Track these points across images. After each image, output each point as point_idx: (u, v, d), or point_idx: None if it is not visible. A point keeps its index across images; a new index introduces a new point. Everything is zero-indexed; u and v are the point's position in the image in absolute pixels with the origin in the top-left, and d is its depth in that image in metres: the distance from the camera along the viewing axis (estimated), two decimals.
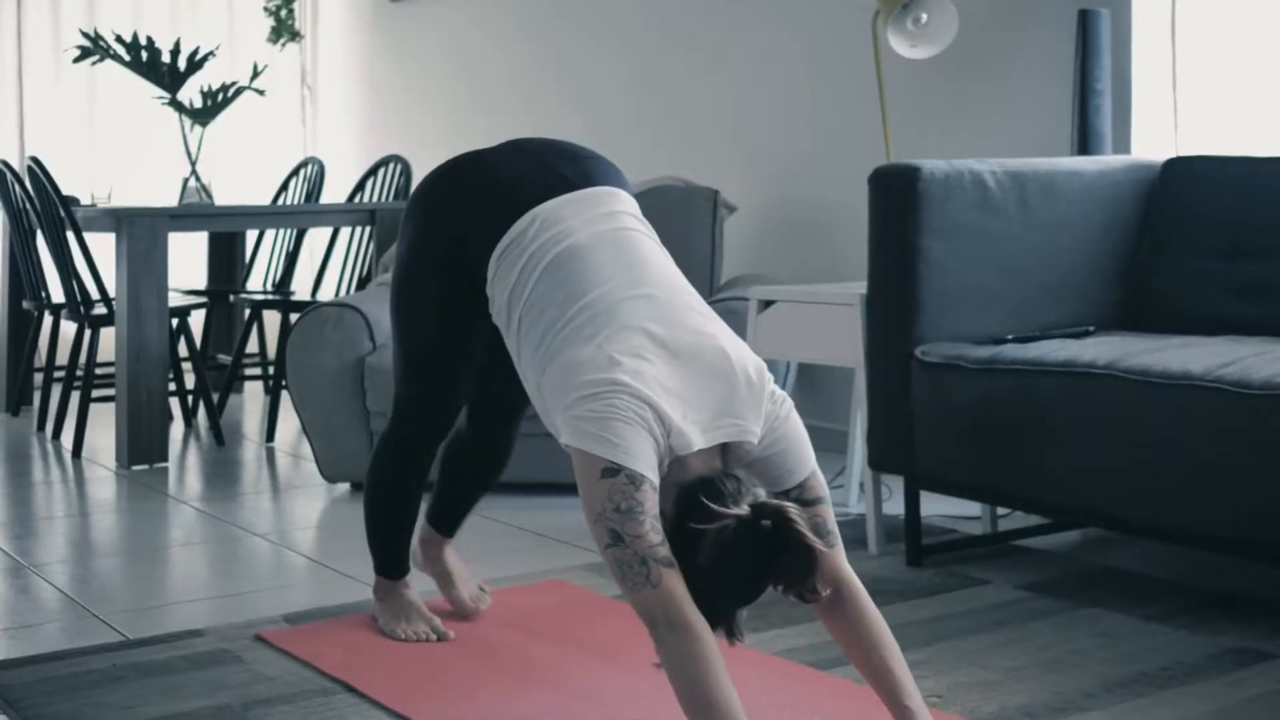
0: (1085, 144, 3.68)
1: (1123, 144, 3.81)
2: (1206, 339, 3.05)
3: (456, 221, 2.49)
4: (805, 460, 2.17)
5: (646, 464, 2.00)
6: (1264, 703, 2.36)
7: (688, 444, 2.04)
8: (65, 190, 5.05)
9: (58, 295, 5.24)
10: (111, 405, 5.10)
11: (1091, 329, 3.26)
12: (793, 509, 1.96)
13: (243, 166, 6.79)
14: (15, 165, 5.97)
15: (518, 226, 2.35)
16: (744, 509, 1.95)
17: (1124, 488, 2.81)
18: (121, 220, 4.67)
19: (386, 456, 2.77)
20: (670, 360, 2.10)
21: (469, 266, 2.44)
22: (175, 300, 5.17)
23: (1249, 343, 2.95)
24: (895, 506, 3.55)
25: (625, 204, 2.43)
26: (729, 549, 1.94)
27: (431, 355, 2.64)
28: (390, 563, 2.85)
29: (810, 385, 4.63)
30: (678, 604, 1.96)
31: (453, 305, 2.56)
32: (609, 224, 2.35)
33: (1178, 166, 3.49)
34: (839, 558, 2.15)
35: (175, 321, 5.09)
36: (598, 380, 2.06)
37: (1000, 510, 3.60)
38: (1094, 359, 2.88)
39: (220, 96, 5.37)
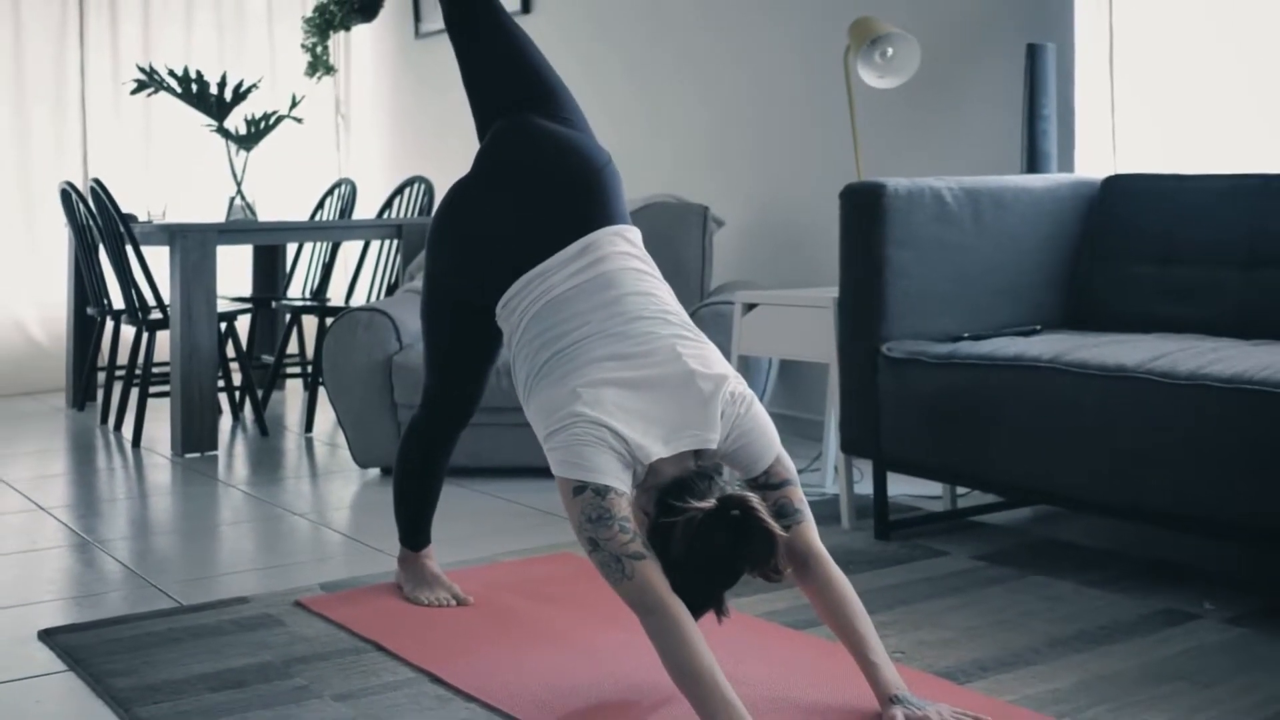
0: (1033, 163, 3.65)
1: (1067, 163, 3.78)
2: (1140, 336, 3.04)
3: (469, 273, 2.50)
4: (769, 449, 2.20)
5: (611, 475, 2.05)
6: (1187, 656, 2.37)
7: (648, 454, 2.07)
8: (124, 208, 5.03)
9: (118, 302, 5.22)
10: (167, 400, 5.07)
11: (1038, 328, 3.25)
12: (754, 499, 1.99)
13: (283, 186, 6.76)
14: (80, 186, 5.95)
15: (515, 286, 2.36)
16: (710, 503, 1.98)
17: (1067, 468, 2.80)
18: (175, 235, 4.66)
19: (414, 440, 2.79)
20: (630, 387, 2.13)
21: (481, 301, 2.47)
22: (223, 306, 5.16)
23: (1177, 339, 2.94)
24: (865, 487, 3.55)
25: (614, 243, 2.37)
26: (698, 539, 1.98)
27: (453, 356, 2.68)
28: (414, 536, 2.86)
29: (789, 379, 4.64)
30: (653, 590, 1.99)
31: (468, 326, 2.62)
32: (591, 271, 2.32)
33: (1116, 183, 3.47)
34: (809, 531, 2.18)
35: (223, 325, 5.08)
36: (563, 415, 2.11)
37: (959, 490, 3.59)
38: (1039, 354, 2.87)
39: (263, 124, 5.35)
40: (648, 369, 2.16)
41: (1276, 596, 2.72)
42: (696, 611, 2.05)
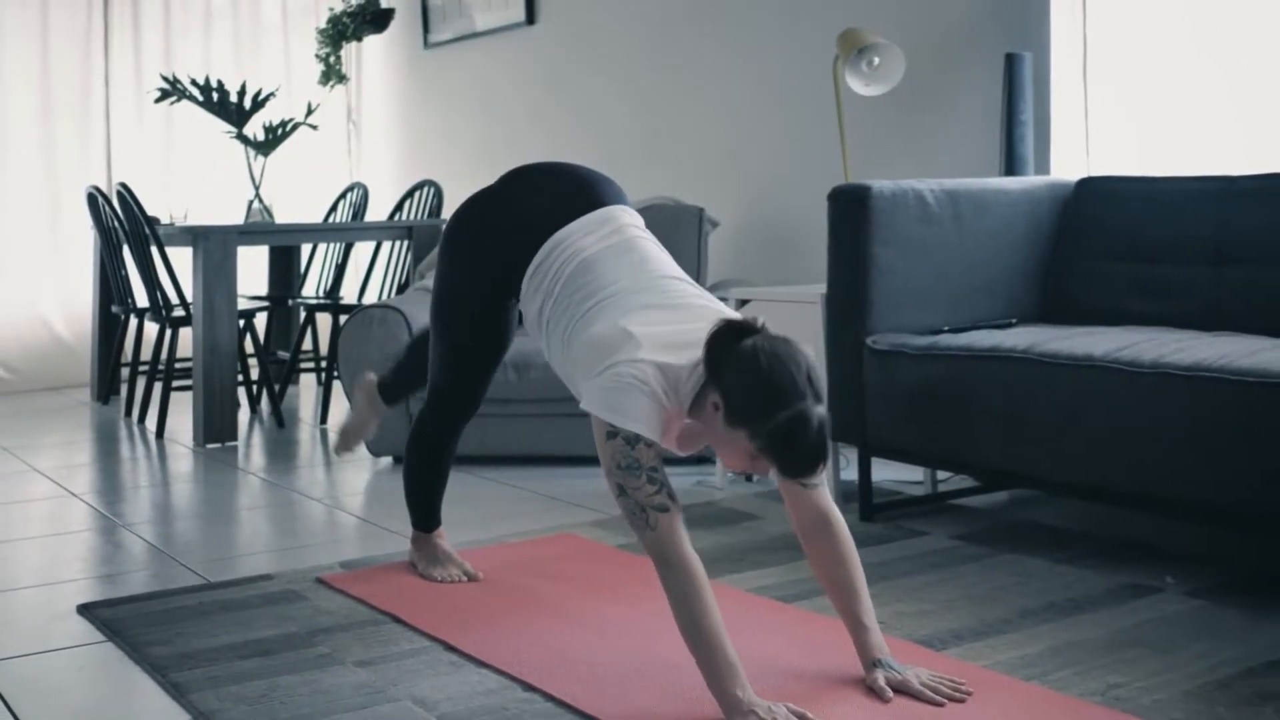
0: (1011, 166, 3.68)
1: (1043, 166, 3.82)
2: (1109, 329, 3.09)
3: (491, 257, 2.57)
4: None
5: (644, 422, 2.06)
6: (1149, 626, 2.45)
7: (690, 377, 2.09)
8: (148, 211, 5.11)
9: (142, 301, 5.28)
10: (188, 394, 5.15)
11: (1014, 321, 3.30)
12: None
13: (298, 190, 6.79)
14: (105, 190, 6.02)
15: (541, 253, 2.45)
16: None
17: (1039, 452, 2.86)
18: (197, 236, 4.71)
19: (424, 433, 2.87)
20: (671, 322, 2.18)
21: (503, 289, 2.57)
22: (242, 304, 5.21)
23: (1143, 331, 3.00)
24: (851, 473, 3.61)
25: (628, 216, 2.52)
26: (760, 351, 1.99)
27: (469, 355, 2.73)
28: (426, 519, 2.94)
29: None
30: (674, 544, 2.03)
31: (487, 320, 2.67)
32: (615, 237, 2.44)
33: (1089, 185, 3.52)
34: (826, 495, 2.22)
35: (242, 322, 5.12)
36: (610, 356, 2.14)
37: (940, 474, 3.66)
38: (1014, 345, 2.93)
39: (279, 131, 5.41)
40: (686, 322, 2.19)
41: (1233, 571, 2.80)
42: (794, 405, 1.96)
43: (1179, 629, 2.43)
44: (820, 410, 1.99)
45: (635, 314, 2.23)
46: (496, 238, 2.57)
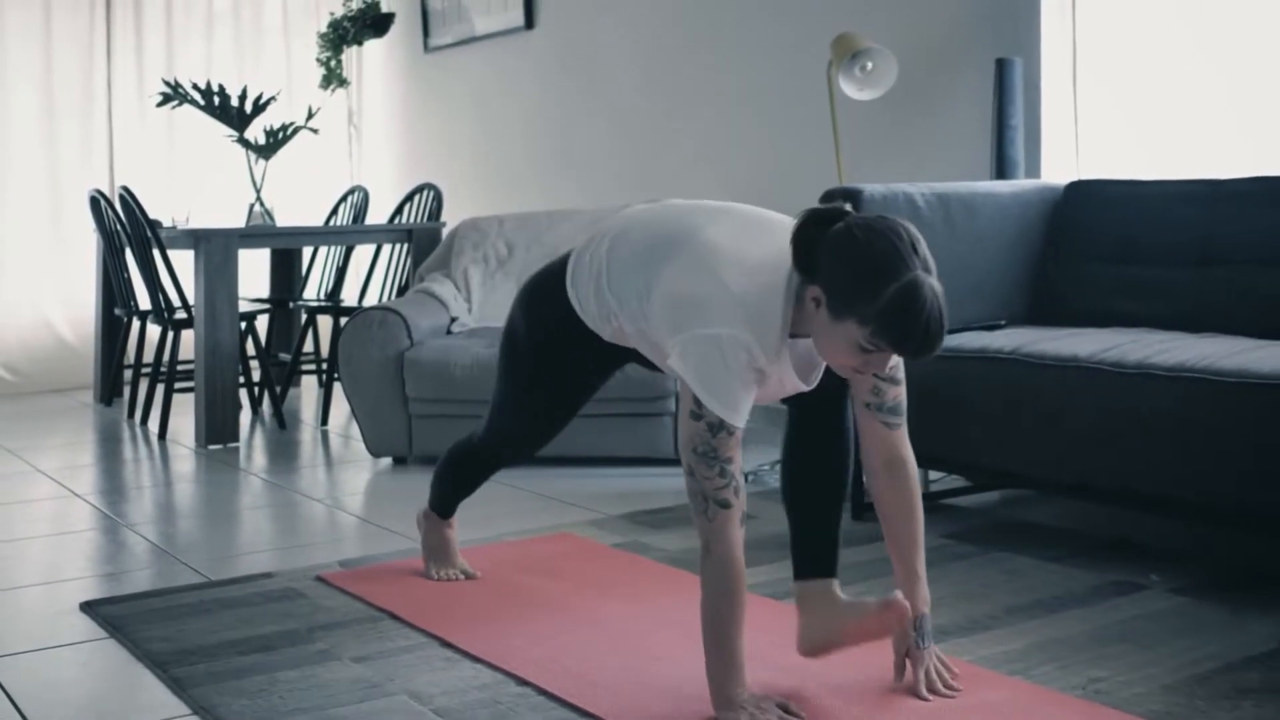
0: (1002, 170, 3.72)
1: (1034, 170, 3.85)
2: (1096, 330, 3.13)
3: (554, 319, 2.40)
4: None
5: (732, 405, 1.96)
6: (1132, 622, 2.49)
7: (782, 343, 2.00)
8: (151, 214, 5.13)
9: (144, 303, 5.29)
10: (190, 395, 5.17)
11: (1003, 322, 3.33)
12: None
13: (299, 193, 6.81)
14: (108, 193, 6.05)
15: (572, 255, 2.33)
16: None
17: (1027, 451, 2.91)
18: (199, 239, 4.73)
19: (472, 453, 2.78)
20: (747, 243, 2.07)
21: (573, 341, 2.37)
22: (243, 307, 5.23)
23: (1129, 333, 3.04)
24: None
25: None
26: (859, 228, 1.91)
27: (544, 411, 2.59)
28: (443, 508, 2.91)
29: None
30: (724, 539, 1.98)
31: (570, 375, 2.49)
32: (637, 208, 2.34)
33: (1077, 188, 3.55)
34: (904, 437, 2.19)
35: (244, 325, 5.15)
36: (695, 301, 2.00)
37: (932, 474, 3.69)
38: (1001, 346, 2.97)
39: (280, 134, 5.43)
40: (763, 240, 2.08)
41: (1217, 569, 2.84)
42: (899, 271, 1.85)
43: (1161, 625, 2.47)
44: (933, 281, 1.85)
45: (708, 252, 2.06)
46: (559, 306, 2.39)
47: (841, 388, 2.24)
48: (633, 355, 2.36)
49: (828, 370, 2.17)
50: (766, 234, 2.10)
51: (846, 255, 1.88)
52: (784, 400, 2.24)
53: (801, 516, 2.29)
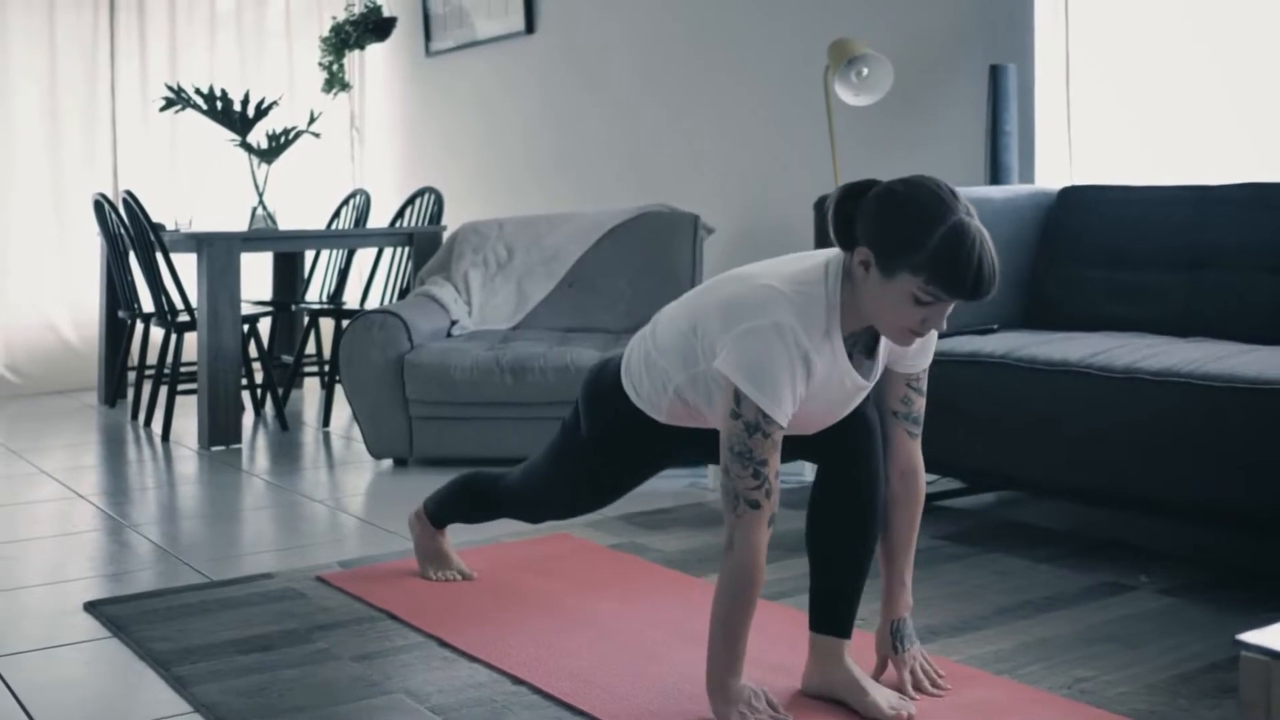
0: (996, 175, 3.75)
1: (1028, 175, 3.87)
2: (1087, 334, 3.15)
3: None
4: (930, 354, 2.18)
5: (774, 400, 1.96)
6: (1120, 622, 2.52)
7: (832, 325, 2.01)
8: (154, 218, 5.14)
9: (148, 306, 5.30)
10: (193, 397, 5.16)
11: (995, 327, 3.35)
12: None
13: (301, 197, 6.82)
14: (111, 197, 6.07)
15: (626, 349, 2.31)
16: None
17: (1018, 454, 2.93)
18: (201, 242, 4.75)
19: (495, 497, 2.75)
20: (788, 264, 2.08)
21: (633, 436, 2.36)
22: (246, 310, 5.24)
23: (1119, 337, 3.07)
24: None
25: None
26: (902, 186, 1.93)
27: (587, 494, 2.57)
28: (439, 521, 2.92)
29: None
30: (749, 538, 1.98)
31: (622, 466, 2.47)
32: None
33: (1071, 194, 3.58)
34: (918, 449, 2.21)
35: (246, 327, 5.16)
36: (751, 302, 2.00)
37: (927, 477, 3.71)
38: (993, 350, 3.00)
39: (283, 139, 5.45)
40: (801, 260, 2.08)
41: (1206, 569, 2.87)
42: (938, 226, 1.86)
43: (1148, 625, 2.50)
44: (978, 223, 1.87)
45: (746, 274, 2.09)
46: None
47: (874, 449, 2.18)
48: (687, 443, 2.31)
49: (862, 422, 2.16)
50: (798, 259, 2.11)
51: (890, 210, 1.91)
52: (814, 455, 2.21)
53: (822, 572, 2.20)
